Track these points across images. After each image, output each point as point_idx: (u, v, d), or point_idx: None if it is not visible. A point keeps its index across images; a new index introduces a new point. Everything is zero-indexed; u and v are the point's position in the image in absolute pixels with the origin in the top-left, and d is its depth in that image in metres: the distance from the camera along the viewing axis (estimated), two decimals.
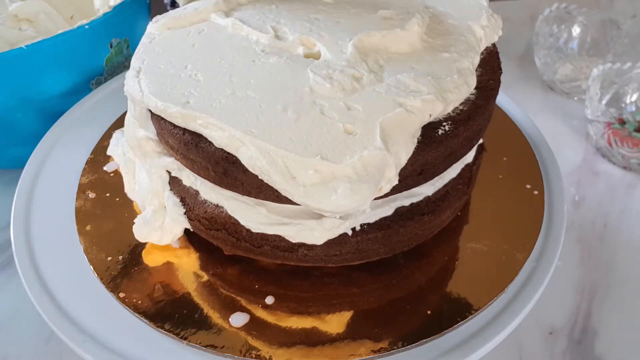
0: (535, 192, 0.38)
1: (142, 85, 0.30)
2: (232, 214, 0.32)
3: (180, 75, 0.31)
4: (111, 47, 0.46)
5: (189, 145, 0.29)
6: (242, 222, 0.32)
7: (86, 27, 0.43)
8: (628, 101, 0.51)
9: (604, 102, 0.51)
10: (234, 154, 0.28)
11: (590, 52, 0.59)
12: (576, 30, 0.60)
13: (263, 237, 0.32)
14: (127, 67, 0.50)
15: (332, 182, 0.25)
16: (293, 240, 0.31)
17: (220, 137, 0.28)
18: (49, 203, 0.39)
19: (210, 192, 0.32)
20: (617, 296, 0.40)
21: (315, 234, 0.30)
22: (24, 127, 0.44)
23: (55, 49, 0.41)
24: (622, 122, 0.49)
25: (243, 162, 0.27)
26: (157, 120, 0.31)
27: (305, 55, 0.32)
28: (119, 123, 0.43)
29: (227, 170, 0.29)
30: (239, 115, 0.28)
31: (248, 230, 0.32)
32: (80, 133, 0.43)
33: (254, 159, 0.27)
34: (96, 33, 0.44)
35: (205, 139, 0.29)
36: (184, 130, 0.29)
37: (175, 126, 0.30)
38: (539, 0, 0.75)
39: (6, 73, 0.40)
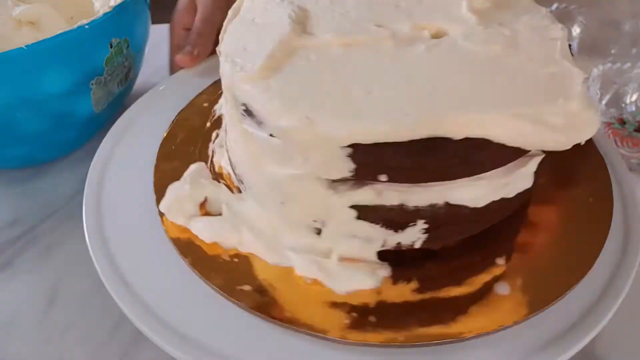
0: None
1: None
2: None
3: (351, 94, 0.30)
4: (111, 47, 0.46)
5: (421, 154, 0.29)
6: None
7: (86, 27, 0.43)
8: (628, 101, 0.51)
9: (604, 102, 0.51)
10: (484, 136, 0.28)
11: (590, 52, 0.59)
12: (576, 30, 0.60)
13: None
14: (127, 67, 0.50)
15: (577, 117, 0.28)
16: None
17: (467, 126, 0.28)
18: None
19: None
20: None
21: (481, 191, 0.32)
22: (24, 127, 0.44)
23: (55, 49, 0.41)
24: (622, 122, 0.49)
25: (497, 140, 0.28)
26: (369, 150, 0.29)
27: (432, 37, 0.34)
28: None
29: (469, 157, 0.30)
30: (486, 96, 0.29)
31: None
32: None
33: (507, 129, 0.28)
34: (96, 33, 0.44)
35: (442, 138, 0.28)
36: (411, 141, 0.28)
37: (400, 144, 0.28)
38: (539, 1, 0.75)
39: (6, 73, 0.40)
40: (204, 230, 0.35)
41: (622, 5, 0.69)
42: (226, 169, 0.40)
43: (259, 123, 0.31)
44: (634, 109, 0.50)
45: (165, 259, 0.35)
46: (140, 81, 0.56)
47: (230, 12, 0.38)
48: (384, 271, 0.33)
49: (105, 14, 0.44)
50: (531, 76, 0.31)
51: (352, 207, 0.31)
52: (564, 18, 0.60)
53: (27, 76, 0.41)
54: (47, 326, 0.38)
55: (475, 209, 0.32)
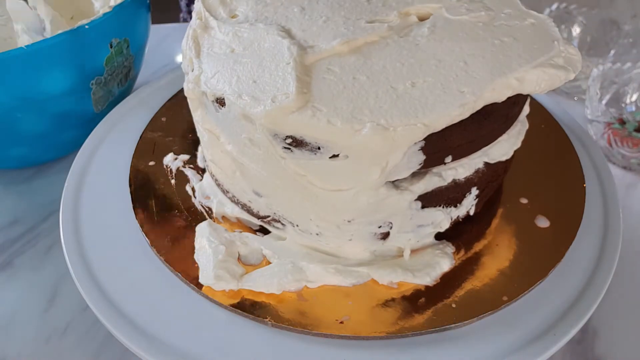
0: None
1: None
2: None
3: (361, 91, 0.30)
4: (111, 47, 0.46)
5: (479, 125, 0.31)
6: None
7: (86, 27, 0.43)
8: (628, 101, 0.51)
9: (604, 102, 0.51)
10: (519, 92, 0.31)
11: (590, 52, 0.59)
12: (576, 30, 0.60)
13: None
14: (127, 67, 0.50)
15: (571, 56, 0.32)
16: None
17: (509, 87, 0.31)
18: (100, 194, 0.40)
19: None
20: (617, 296, 0.40)
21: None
22: (24, 127, 0.44)
23: (55, 49, 0.41)
24: (622, 122, 0.49)
25: (526, 92, 0.31)
26: (439, 137, 0.30)
27: (420, 19, 0.35)
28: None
29: (508, 115, 0.34)
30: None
31: None
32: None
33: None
34: (96, 33, 0.44)
35: (491, 105, 0.31)
36: (471, 115, 0.30)
37: (463, 121, 0.30)
38: (539, 0, 0.75)
39: (6, 73, 0.40)
40: (267, 284, 0.33)
41: (622, 5, 0.69)
42: (238, 215, 0.38)
43: (315, 150, 0.29)
44: (634, 109, 0.50)
45: (149, 271, 0.35)
46: (140, 81, 0.56)
47: (185, 41, 0.36)
48: (449, 248, 0.35)
49: (105, 14, 0.44)
50: (523, 30, 0.34)
51: (417, 199, 0.32)
52: (564, 18, 0.60)
53: (27, 76, 0.41)
54: (47, 326, 0.38)
55: (505, 161, 0.36)
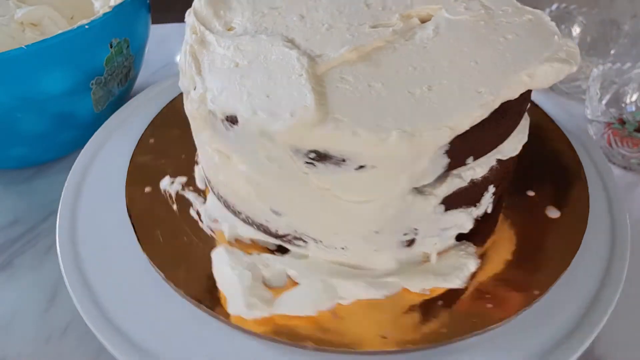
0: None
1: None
2: None
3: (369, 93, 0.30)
4: (111, 47, 0.46)
5: (497, 123, 0.31)
6: None
7: (86, 27, 0.43)
8: (628, 101, 0.51)
9: (604, 102, 0.51)
10: (530, 88, 0.31)
11: (590, 52, 0.59)
12: (576, 30, 0.60)
13: None
14: (127, 67, 0.50)
15: (571, 49, 0.32)
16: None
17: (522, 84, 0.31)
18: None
19: None
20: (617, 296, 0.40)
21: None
22: (24, 127, 0.44)
23: (55, 49, 0.41)
24: (622, 122, 0.49)
25: (536, 87, 0.31)
26: (462, 138, 0.29)
27: (421, 21, 0.35)
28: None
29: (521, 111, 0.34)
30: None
31: None
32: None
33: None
34: (96, 33, 0.44)
35: (507, 102, 0.31)
36: (490, 114, 0.30)
37: (483, 121, 0.30)
38: (539, 1, 0.75)
39: (6, 73, 0.40)
40: (301, 306, 0.31)
41: (622, 5, 0.69)
42: (252, 237, 0.36)
43: (339, 162, 0.28)
44: (634, 109, 0.50)
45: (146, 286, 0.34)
46: (140, 81, 0.56)
47: (183, 58, 0.35)
48: (471, 247, 0.35)
49: (105, 14, 0.44)
50: (523, 27, 0.34)
51: (441, 202, 0.32)
52: (564, 18, 0.60)
53: (27, 76, 0.41)
54: (47, 326, 0.38)
55: (516, 157, 0.36)
